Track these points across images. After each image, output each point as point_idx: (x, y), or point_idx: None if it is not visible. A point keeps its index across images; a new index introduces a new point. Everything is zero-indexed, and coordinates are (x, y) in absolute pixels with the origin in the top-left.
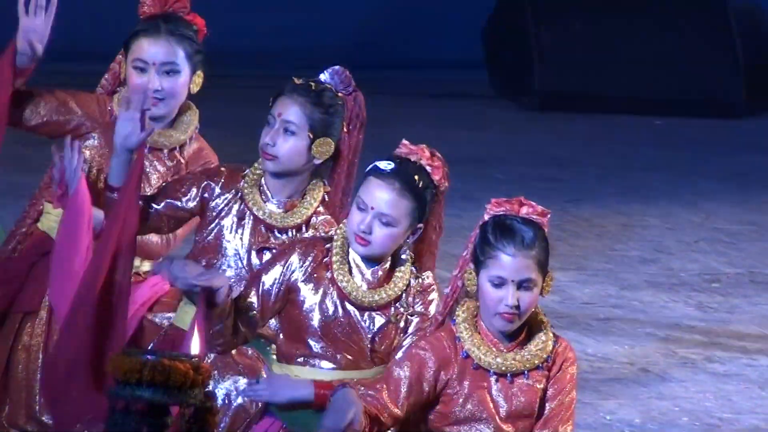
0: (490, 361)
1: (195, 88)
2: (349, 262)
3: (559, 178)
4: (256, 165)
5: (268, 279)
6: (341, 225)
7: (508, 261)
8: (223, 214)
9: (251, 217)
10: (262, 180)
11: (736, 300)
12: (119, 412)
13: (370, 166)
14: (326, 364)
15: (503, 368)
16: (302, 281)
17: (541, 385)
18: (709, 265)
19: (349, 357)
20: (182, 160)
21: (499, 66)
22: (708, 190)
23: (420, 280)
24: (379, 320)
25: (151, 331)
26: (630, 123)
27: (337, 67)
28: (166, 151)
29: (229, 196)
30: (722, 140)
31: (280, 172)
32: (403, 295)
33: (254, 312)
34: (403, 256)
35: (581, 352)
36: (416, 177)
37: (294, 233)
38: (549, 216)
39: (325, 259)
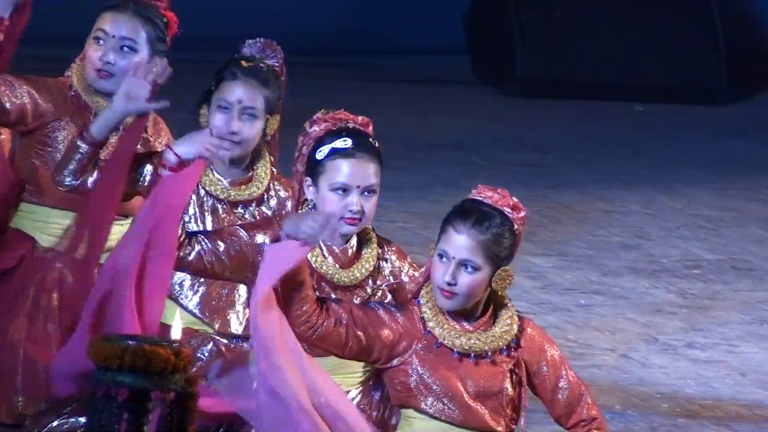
0: (453, 340)
1: None
2: (320, 247)
3: (541, 164)
4: None
5: None
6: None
7: (453, 237)
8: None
9: (211, 202)
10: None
11: (717, 286)
12: (100, 398)
13: (327, 150)
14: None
15: (466, 348)
16: None
17: (508, 367)
18: (690, 252)
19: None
20: (149, 138)
21: (481, 52)
22: (689, 176)
23: (390, 254)
24: (359, 297)
25: None
26: (611, 109)
27: (263, 40)
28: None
29: None
30: (704, 126)
31: (240, 156)
32: (378, 269)
33: None
34: (369, 236)
35: (562, 338)
36: (370, 139)
37: (255, 206)
38: (523, 213)
39: None
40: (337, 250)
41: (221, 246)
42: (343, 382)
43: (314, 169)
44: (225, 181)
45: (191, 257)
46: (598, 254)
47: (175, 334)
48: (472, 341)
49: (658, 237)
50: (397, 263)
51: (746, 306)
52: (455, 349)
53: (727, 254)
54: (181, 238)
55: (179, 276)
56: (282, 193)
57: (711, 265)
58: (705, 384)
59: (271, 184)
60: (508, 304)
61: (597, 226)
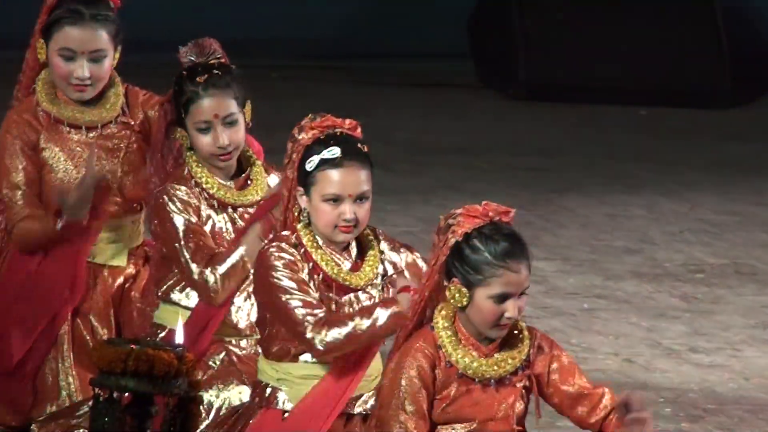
0: (475, 369)
1: (114, 63)
2: (328, 255)
3: (544, 168)
4: (193, 163)
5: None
6: (298, 227)
7: (515, 278)
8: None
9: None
10: (205, 171)
11: (721, 290)
12: (104, 402)
13: (316, 161)
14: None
15: (487, 375)
16: None
17: (521, 384)
18: (693, 256)
19: None
20: (131, 122)
21: (484, 56)
22: (693, 180)
23: (386, 250)
24: (366, 299)
25: None
26: (615, 113)
27: (191, 43)
28: (100, 127)
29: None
30: (707, 130)
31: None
32: (384, 265)
33: None
34: (366, 232)
35: (565, 342)
36: (358, 145)
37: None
38: (513, 213)
39: (309, 265)
40: (337, 257)
41: None
42: (360, 388)
43: (305, 180)
44: (231, 186)
45: None
46: (601, 258)
47: (179, 338)
48: (492, 368)
49: (661, 241)
50: (393, 256)
51: (750, 310)
52: (476, 377)
53: (731, 258)
54: None
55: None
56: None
57: (714, 269)
58: (708, 388)
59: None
60: (521, 324)
61: (600, 230)
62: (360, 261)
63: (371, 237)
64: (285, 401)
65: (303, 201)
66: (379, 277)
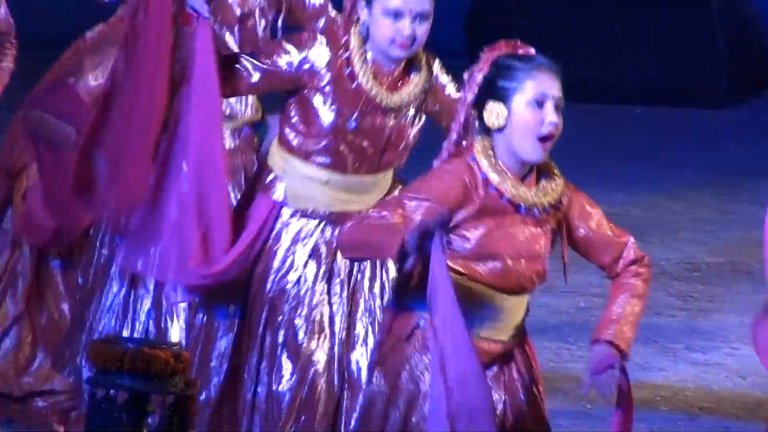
0: (521, 195)
1: None
2: (370, 68)
3: None
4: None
5: (283, 61)
6: (352, 32)
7: (550, 79)
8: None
9: None
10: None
11: (717, 289)
12: (100, 400)
13: None
14: (328, 164)
15: (533, 201)
16: (325, 83)
17: (552, 225)
18: (690, 254)
19: (356, 162)
20: None
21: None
22: (689, 179)
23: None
24: (398, 121)
25: None
26: (611, 112)
27: None
28: None
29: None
30: (703, 129)
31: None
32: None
33: (245, 77)
34: (420, 56)
35: (561, 341)
36: None
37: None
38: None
39: (347, 70)
40: (387, 73)
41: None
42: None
43: None
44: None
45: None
46: None
47: (175, 336)
48: (537, 196)
49: (658, 240)
50: (443, 79)
51: (746, 308)
52: (523, 204)
53: (727, 257)
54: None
55: None
56: None
57: (711, 268)
58: (705, 387)
59: None
60: (551, 163)
61: None
62: (402, 83)
63: (423, 62)
64: (281, 194)
65: (364, 14)
66: (415, 104)
